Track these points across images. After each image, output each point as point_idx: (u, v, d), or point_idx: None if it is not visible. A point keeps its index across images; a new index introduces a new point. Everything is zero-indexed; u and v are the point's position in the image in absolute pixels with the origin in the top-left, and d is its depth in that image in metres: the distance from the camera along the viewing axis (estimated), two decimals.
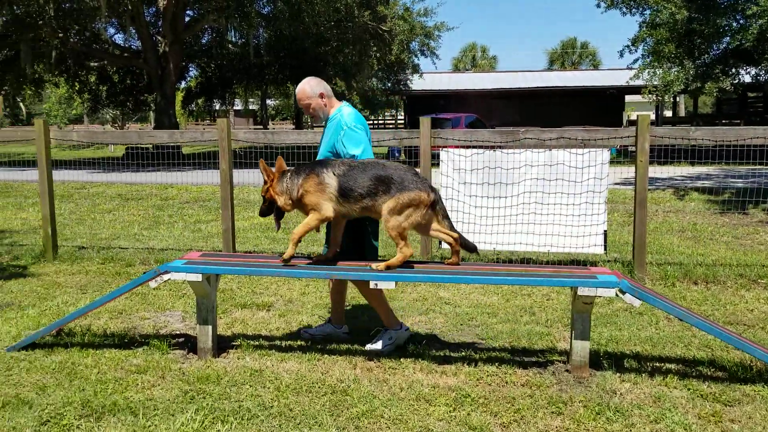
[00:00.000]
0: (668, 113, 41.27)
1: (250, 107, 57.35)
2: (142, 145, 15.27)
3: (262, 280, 6.48)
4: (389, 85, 34.60)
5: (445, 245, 5.16)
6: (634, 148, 6.61)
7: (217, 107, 42.11)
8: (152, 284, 4.41)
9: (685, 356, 4.54)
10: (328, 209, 4.29)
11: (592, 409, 3.70)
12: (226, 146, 7.15)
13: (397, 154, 18.34)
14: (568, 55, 67.31)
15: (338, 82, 38.60)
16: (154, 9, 26.82)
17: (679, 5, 15.87)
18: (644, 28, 17.56)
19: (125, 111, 39.36)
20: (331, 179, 4.27)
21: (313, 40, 25.98)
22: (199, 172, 13.19)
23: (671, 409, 3.69)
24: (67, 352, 4.53)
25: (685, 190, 12.09)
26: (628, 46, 18.59)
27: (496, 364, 4.32)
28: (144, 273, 4.63)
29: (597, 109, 33.30)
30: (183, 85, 34.50)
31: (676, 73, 17.00)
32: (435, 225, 4.42)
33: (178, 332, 5.10)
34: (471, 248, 4.62)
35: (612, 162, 6.60)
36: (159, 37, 25.23)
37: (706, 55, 17.43)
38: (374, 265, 4.34)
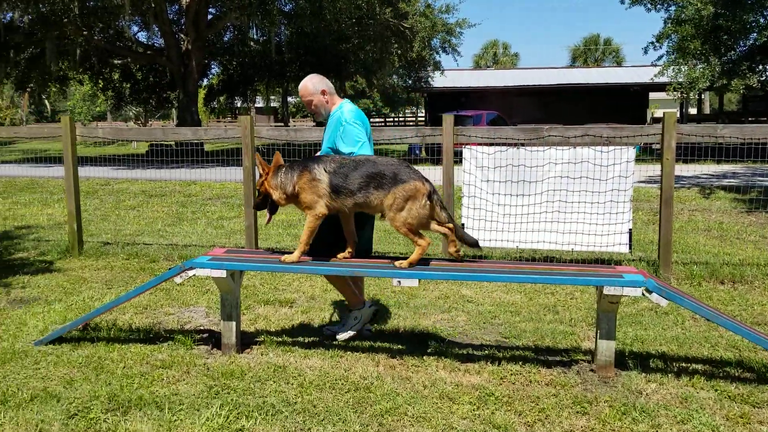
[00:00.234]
0: (693, 111, 40.76)
1: (271, 105, 57.63)
2: (165, 142, 15.40)
3: (285, 277, 6.51)
4: (410, 82, 34.53)
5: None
6: (658, 146, 6.53)
7: (239, 105, 42.37)
8: (177, 280, 4.45)
9: (712, 357, 4.48)
10: (322, 207, 4.32)
11: (617, 409, 3.67)
12: (250, 143, 7.18)
13: (417, 152, 18.33)
14: (591, 51, 66.69)
15: (359, 80, 38.66)
16: (176, 7, 27.05)
17: (705, 1, 15.66)
18: (669, 25, 17.36)
19: (148, 108, 39.67)
20: (323, 175, 4.30)
21: (335, 37, 26.00)
22: (222, 169, 13.29)
23: (698, 410, 3.64)
24: (94, 347, 4.59)
25: (711, 188, 11.93)
26: (652, 43, 18.40)
27: (520, 362, 4.30)
28: (169, 269, 4.68)
29: (620, 106, 32.97)
30: (205, 82, 34.74)
31: (701, 69, 16.80)
32: (433, 217, 4.40)
33: (202, 328, 5.14)
34: (471, 243, 4.57)
35: (636, 160, 6.52)
36: (182, 35, 25.43)
37: (733, 52, 17.18)
38: (397, 263, 4.34)
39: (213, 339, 4.79)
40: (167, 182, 13.52)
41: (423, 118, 47.04)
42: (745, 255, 7.35)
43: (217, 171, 13.17)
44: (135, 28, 28.30)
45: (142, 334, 4.92)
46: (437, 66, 32.48)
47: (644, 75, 31.57)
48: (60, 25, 22.33)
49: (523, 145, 6.82)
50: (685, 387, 3.97)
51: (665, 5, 18.20)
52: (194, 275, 4.41)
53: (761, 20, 16.03)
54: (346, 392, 3.89)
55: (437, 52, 31.82)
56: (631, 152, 6.41)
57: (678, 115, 31.91)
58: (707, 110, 44.03)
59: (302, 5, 23.59)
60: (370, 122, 5.09)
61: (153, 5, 22.47)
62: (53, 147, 24.86)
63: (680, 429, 3.46)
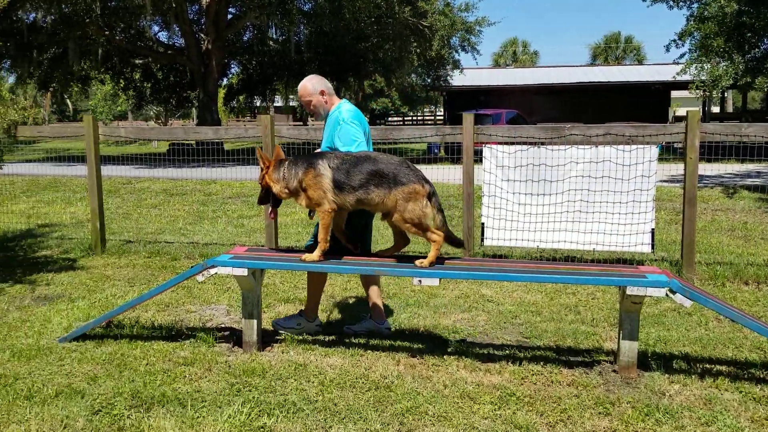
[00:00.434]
0: (716, 109, 40.27)
1: (290, 104, 57.81)
2: (186, 142, 15.51)
3: (305, 275, 6.49)
4: (429, 81, 34.46)
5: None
6: (680, 145, 6.46)
7: (258, 104, 42.54)
8: (199, 278, 4.48)
9: (736, 358, 4.42)
10: (330, 201, 4.35)
11: (640, 410, 3.63)
12: (270, 142, 7.21)
13: (436, 151, 18.30)
14: (612, 49, 66.08)
15: (378, 78, 38.69)
16: (197, 7, 27.24)
17: None
18: (692, 22, 17.16)
19: (168, 108, 40.03)
20: (326, 170, 4.34)
21: (354, 36, 26.04)
22: (242, 168, 13.36)
23: (723, 412, 3.60)
24: (117, 344, 4.64)
25: (735, 187, 11.78)
26: (674, 41, 18.21)
27: (541, 363, 4.28)
28: (191, 267, 4.71)
29: (641, 104, 32.68)
30: (225, 82, 34.93)
31: (724, 67, 16.58)
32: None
33: (223, 326, 5.17)
34: (457, 243, 4.59)
35: (658, 159, 6.46)
36: (202, 35, 25.62)
37: (757, 49, 16.95)
38: (417, 262, 4.34)
39: (234, 337, 4.82)
40: (188, 181, 13.64)
41: (441, 117, 46.95)
42: None
43: (237, 170, 13.24)
44: (156, 28, 28.58)
45: (165, 331, 4.96)
46: (456, 65, 32.37)
47: (666, 73, 31.26)
48: (82, 25, 22.60)
49: (542, 143, 6.79)
50: (709, 388, 3.93)
51: (688, 2, 18.02)
52: (216, 273, 4.44)
53: None
54: (366, 391, 3.89)
55: (456, 51, 31.71)
56: (653, 151, 6.35)
57: (700, 113, 31.63)
58: (730, 108, 43.49)
59: (321, 4, 23.65)
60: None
61: (174, 5, 22.65)
62: (75, 146, 25.15)
63: (704, 431, 3.42)
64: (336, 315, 5.46)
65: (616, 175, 6.39)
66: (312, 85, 4.80)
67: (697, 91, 19.15)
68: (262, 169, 4.56)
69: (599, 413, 3.63)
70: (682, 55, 18.98)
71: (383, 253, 4.69)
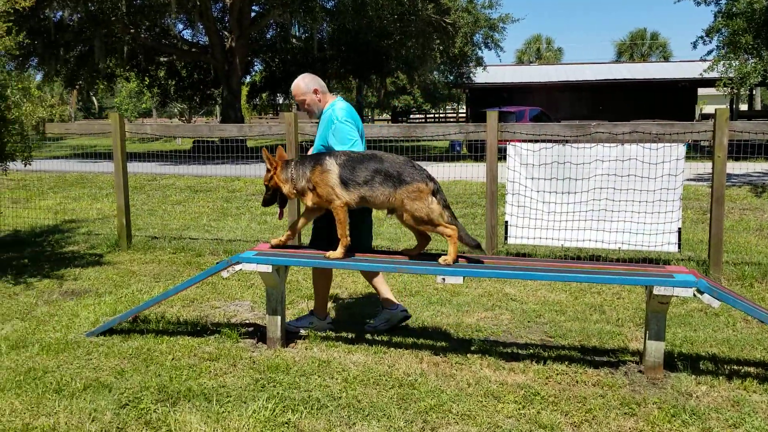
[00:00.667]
0: (743, 107, 39.65)
1: None
2: (210, 139, 15.62)
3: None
4: (451, 78, 34.34)
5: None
6: (706, 143, 6.38)
7: (280, 101, 42.75)
8: (224, 274, 4.51)
9: (765, 360, 4.36)
10: (342, 195, 4.36)
11: (666, 411, 3.60)
12: (294, 140, 7.25)
13: (458, 148, 18.23)
14: (638, 46, 65.26)
15: (400, 76, 38.60)
16: (221, 5, 27.44)
17: None
18: (720, 18, 16.88)
19: (192, 105, 40.35)
20: (333, 167, 4.37)
21: (376, 33, 26.02)
22: (265, 165, 13.40)
23: (750, 414, 3.55)
24: (143, 339, 4.69)
25: (764, 186, 11.59)
26: (701, 37, 17.93)
27: (566, 362, 4.25)
28: (216, 263, 4.74)
29: (668, 102, 32.29)
30: (248, 79, 35.13)
31: (753, 64, 16.29)
32: None
33: (247, 321, 5.21)
34: (472, 244, 4.48)
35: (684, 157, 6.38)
36: (225, 33, 25.79)
37: None
38: (441, 260, 4.33)
39: (258, 333, 4.85)
40: (211, 178, 13.74)
41: (464, 115, 46.77)
42: None
43: (260, 167, 13.22)
44: (180, 26, 28.83)
45: (190, 326, 5.01)
46: (479, 62, 32.23)
47: (693, 70, 30.83)
48: (108, 23, 22.86)
49: (566, 141, 6.74)
50: (737, 390, 3.87)
51: None
52: (241, 270, 4.47)
53: None
54: (390, 388, 3.90)
55: (479, 48, 31.57)
56: (681, 149, 6.27)
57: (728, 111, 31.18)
58: (758, 106, 42.79)
59: (345, 2, 23.67)
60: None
61: (198, 3, 22.83)
62: (101, 143, 25.47)
63: None
64: (357, 311, 5.46)
65: (643, 173, 6.33)
66: (305, 83, 4.83)
67: (725, 88, 18.86)
68: (268, 170, 4.60)
69: (625, 414, 3.60)
70: (709, 52, 18.73)
71: (408, 252, 4.68)
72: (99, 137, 19.88)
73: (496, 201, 7.00)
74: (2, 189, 10.20)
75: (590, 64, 39.61)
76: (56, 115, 7.66)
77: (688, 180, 10.12)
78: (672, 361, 4.24)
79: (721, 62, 17.40)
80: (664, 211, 6.32)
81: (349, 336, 4.79)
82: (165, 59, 29.16)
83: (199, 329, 4.95)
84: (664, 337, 4.09)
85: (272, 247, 4.78)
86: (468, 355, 4.39)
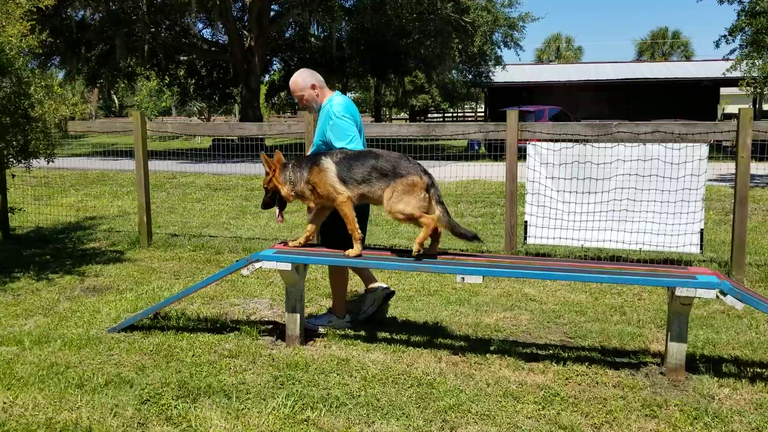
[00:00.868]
0: (767, 106, 39.09)
1: None
2: (229, 137, 15.70)
3: None
4: (470, 77, 34.25)
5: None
6: (728, 143, 6.30)
7: None
8: (245, 272, 4.53)
9: None
10: (341, 191, 4.39)
11: (688, 413, 3.56)
12: (313, 139, 7.24)
13: (476, 147, 18.15)
14: (659, 45, 64.64)
15: (418, 75, 38.56)
16: (240, 4, 27.59)
17: None
18: (743, 17, 16.67)
19: (211, 104, 40.64)
20: (330, 165, 4.40)
21: (395, 32, 26.03)
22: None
23: None
24: (164, 335, 4.73)
25: None
26: (724, 36, 17.71)
27: (586, 363, 4.22)
28: (236, 261, 4.77)
29: (689, 102, 31.96)
30: (266, 78, 35.29)
31: None
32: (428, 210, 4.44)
33: (266, 319, 5.23)
34: (468, 237, 4.51)
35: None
36: (245, 32, 25.91)
37: None
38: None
39: (277, 330, 4.87)
40: (230, 176, 13.81)
41: (482, 114, 46.61)
42: None
43: None
44: (200, 25, 29.03)
45: (210, 323, 5.05)
46: (498, 61, 32.11)
47: (715, 69, 30.49)
48: (129, 22, 23.08)
49: (586, 141, 6.69)
50: (760, 393, 3.82)
51: None
52: (261, 267, 4.49)
53: None
54: (408, 387, 3.89)
55: (499, 47, 31.45)
56: (704, 149, 6.20)
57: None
58: None
59: (363, 1, 23.70)
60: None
61: (218, 3, 22.96)
62: (121, 141, 25.68)
63: None
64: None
65: (665, 173, 6.27)
66: (302, 79, 4.84)
67: (748, 87, 18.64)
68: (267, 173, 4.64)
69: (646, 415, 3.56)
70: (732, 51, 18.49)
71: (428, 252, 4.65)
72: (119, 135, 20.08)
73: (516, 200, 6.97)
74: (25, 186, 10.31)
75: (611, 63, 39.29)
76: (78, 113, 7.73)
77: (710, 180, 10.01)
78: (694, 364, 4.19)
79: (744, 61, 17.20)
80: (686, 212, 6.25)
81: (368, 335, 4.79)
82: (185, 58, 29.38)
83: (218, 326, 4.98)
84: (686, 338, 4.05)
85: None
86: (487, 355, 4.38)
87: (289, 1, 24.24)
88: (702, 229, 6.28)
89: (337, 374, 4.07)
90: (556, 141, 6.71)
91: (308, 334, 4.73)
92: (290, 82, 4.91)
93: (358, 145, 4.65)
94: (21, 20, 6.50)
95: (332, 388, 3.86)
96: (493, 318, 5.25)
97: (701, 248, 6.32)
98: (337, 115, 4.64)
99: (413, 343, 4.60)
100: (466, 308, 5.49)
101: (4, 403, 3.68)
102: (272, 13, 26.56)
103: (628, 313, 5.35)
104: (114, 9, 22.88)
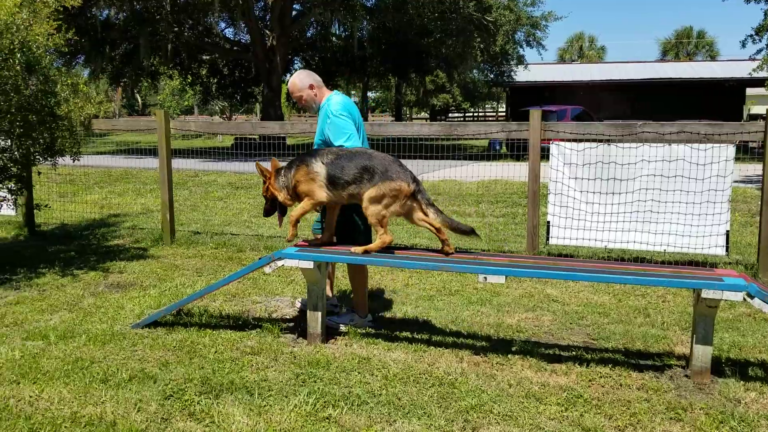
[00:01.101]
0: None
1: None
2: (250, 136, 15.78)
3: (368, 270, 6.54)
4: (492, 76, 34.12)
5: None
6: (755, 144, 6.21)
7: None
8: (267, 270, 4.55)
9: None
10: (321, 194, 4.47)
11: (714, 417, 3.51)
12: None
13: (497, 147, 18.07)
14: (683, 45, 63.88)
15: (439, 74, 38.49)
16: (262, 3, 27.74)
17: None
18: None
19: (233, 103, 40.88)
20: (320, 168, 4.45)
21: (416, 31, 26.00)
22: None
23: None
24: (187, 331, 4.77)
25: None
26: (751, 36, 17.49)
27: (610, 365, 4.18)
28: (259, 259, 4.79)
29: (714, 102, 31.55)
30: (288, 77, 35.43)
31: None
32: (419, 215, 4.49)
33: (287, 317, 5.25)
34: (465, 231, 4.56)
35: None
36: (267, 31, 26.03)
37: None
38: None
39: (298, 328, 4.88)
40: (252, 175, 13.87)
41: (504, 114, 46.40)
42: None
43: None
44: (222, 25, 29.23)
45: (232, 320, 5.08)
46: (521, 60, 31.95)
47: (741, 69, 30.07)
48: (153, 21, 23.31)
49: (610, 141, 6.63)
50: None
51: None
52: (283, 265, 4.50)
53: None
54: (430, 387, 3.89)
55: (521, 46, 31.29)
56: (730, 150, 6.11)
57: None
58: None
59: (385, 0, 23.70)
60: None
61: (240, 2, 23.09)
62: (144, 139, 25.93)
63: None
64: (399, 309, 5.46)
65: (690, 174, 6.19)
66: (300, 80, 4.89)
67: None
68: (264, 182, 4.71)
69: (670, 419, 3.52)
70: (758, 51, 18.24)
71: (444, 251, 4.65)
72: (143, 134, 20.25)
73: (538, 201, 6.92)
74: (50, 183, 10.45)
75: (634, 62, 38.92)
76: (102, 111, 7.82)
77: (736, 182, 9.87)
78: (719, 367, 4.14)
79: None
80: (711, 213, 6.18)
81: (389, 334, 4.79)
82: (207, 57, 29.59)
83: (240, 323, 5.00)
84: (711, 341, 3.99)
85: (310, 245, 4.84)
86: (509, 355, 4.36)
87: (311, 0, 24.31)
88: (728, 231, 6.19)
89: (359, 373, 4.07)
90: (580, 141, 6.66)
91: (329, 333, 4.75)
92: (288, 83, 4.99)
93: (356, 142, 4.69)
94: (48, 19, 6.59)
95: (353, 387, 3.86)
96: (515, 318, 5.22)
97: (727, 250, 6.24)
98: (335, 114, 4.69)
99: (434, 343, 4.59)
100: (488, 308, 5.47)
101: (31, 396, 3.73)
102: (294, 13, 26.67)
103: (652, 315, 5.29)
104: (138, 8, 23.11)
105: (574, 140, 6.70)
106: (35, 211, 8.59)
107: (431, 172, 13.86)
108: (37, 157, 7.08)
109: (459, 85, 42.07)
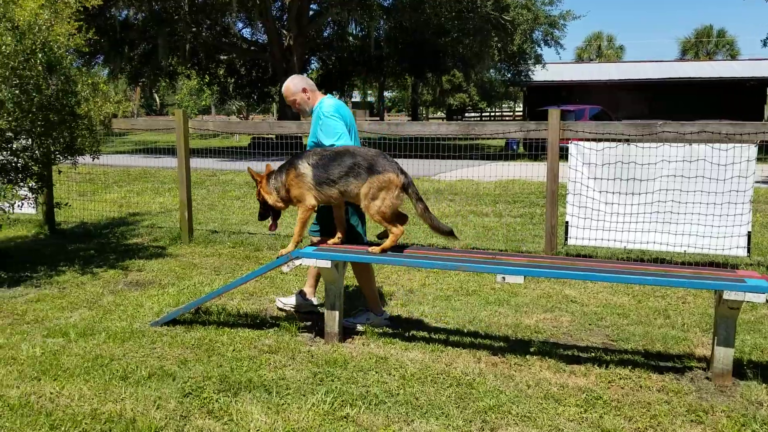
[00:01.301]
0: None
1: (368, 99, 58.19)
2: (267, 136, 15.83)
3: (384, 269, 6.55)
4: (509, 76, 33.98)
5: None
6: None
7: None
8: (285, 269, 4.58)
9: None
10: (310, 199, 4.53)
11: (736, 420, 3.47)
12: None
13: (514, 147, 17.99)
14: (703, 44, 63.23)
15: (456, 74, 38.40)
16: (279, 3, 27.81)
17: None
18: None
19: (250, 103, 41.06)
20: (306, 169, 4.50)
21: (433, 31, 25.95)
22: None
23: None
24: (205, 330, 4.79)
25: None
26: None
27: (629, 367, 4.14)
28: (276, 258, 4.80)
29: (735, 101, 31.20)
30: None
31: None
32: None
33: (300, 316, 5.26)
34: (445, 232, 4.60)
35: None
36: (284, 31, 26.11)
37: None
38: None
39: (316, 327, 4.89)
40: None
41: (520, 113, 46.21)
42: None
43: None
44: (240, 25, 29.36)
45: (250, 319, 5.10)
46: (538, 59, 31.77)
47: (762, 69, 29.77)
48: (171, 22, 23.47)
49: (628, 141, 6.57)
50: None
51: None
52: (300, 265, 4.51)
53: None
54: (448, 387, 3.88)
55: (539, 45, 31.12)
56: (752, 150, 6.04)
57: None
58: None
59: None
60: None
61: (258, 2, 23.18)
62: (162, 139, 26.12)
63: None
64: (416, 309, 5.45)
65: (711, 174, 6.12)
66: (294, 84, 4.96)
67: None
68: (256, 186, 4.78)
69: (691, 421, 3.48)
70: None
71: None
72: (161, 133, 20.42)
73: (557, 201, 6.88)
74: (70, 182, 10.55)
75: (653, 62, 38.59)
76: (121, 111, 7.88)
77: (758, 182, 9.75)
78: (741, 369, 4.08)
79: None
80: (732, 214, 6.10)
81: (407, 333, 4.78)
82: (225, 57, 29.75)
83: (258, 322, 5.02)
84: (733, 343, 3.94)
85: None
86: (527, 356, 4.33)
87: (328, 0, 24.36)
88: (749, 232, 6.12)
89: (376, 372, 4.07)
90: (599, 141, 6.60)
91: (347, 332, 4.75)
92: (282, 88, 5.07)
93: (347, 142, 4.72)
94: (69, 20, 6.65)
95: (371, 386, 3.86)
96: (533, 319, 5.19)
97: (748, 251, 6.16)
98: (326, 115, 4.74)
99: (452, 343, 4.58)
100: (506, 309, 5.44)
101: (51, 393, 3.77)
102: (311, 13, 26.73)
103: (672, 317, 5.24)
104: (156, 9, 23.28)
105: (594, 140, 6.65)
106: (55, 209, 8.68)
107: (448, 172, 13.83)
108: (58, 156, 7.15)
109: (476, 85, 41.98)
